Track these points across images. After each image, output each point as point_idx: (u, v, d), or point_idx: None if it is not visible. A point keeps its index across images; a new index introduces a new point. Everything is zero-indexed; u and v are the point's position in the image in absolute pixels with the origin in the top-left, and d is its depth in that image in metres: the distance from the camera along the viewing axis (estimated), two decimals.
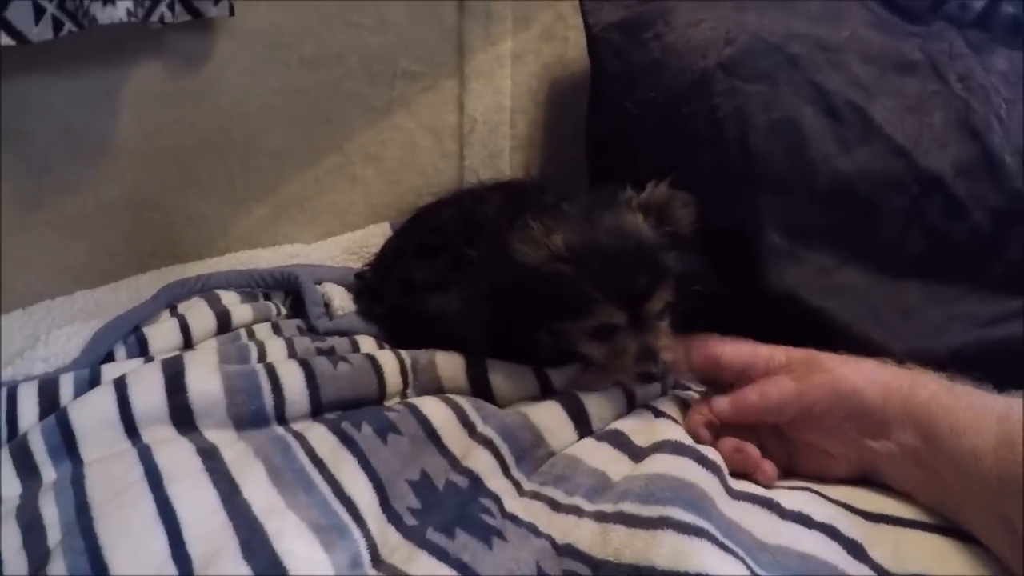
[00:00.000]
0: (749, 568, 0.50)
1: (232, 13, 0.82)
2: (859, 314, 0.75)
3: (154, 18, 0.75)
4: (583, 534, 0.55)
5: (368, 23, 0.91)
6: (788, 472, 0.66)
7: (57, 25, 0.73)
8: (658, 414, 0.70)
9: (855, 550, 0.55)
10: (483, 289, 0.77)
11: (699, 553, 0.50)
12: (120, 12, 0.73)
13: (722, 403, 0.68)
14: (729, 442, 0.66)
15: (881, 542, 0.56)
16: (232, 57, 0.85)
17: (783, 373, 0.65)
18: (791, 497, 0.61)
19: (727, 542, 0.52)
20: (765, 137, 0.78)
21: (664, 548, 0.51)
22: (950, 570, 0.54)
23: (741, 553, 0.52)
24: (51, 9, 0.72)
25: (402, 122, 0.97)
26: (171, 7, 0.77)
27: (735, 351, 0.70)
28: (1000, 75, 0.82)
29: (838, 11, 0.86)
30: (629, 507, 0.55)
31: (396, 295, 0.83)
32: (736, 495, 0.60)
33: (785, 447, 0.67)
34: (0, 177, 0.78)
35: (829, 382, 0.63)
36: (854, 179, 0.77)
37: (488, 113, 1.00)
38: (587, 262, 0.69)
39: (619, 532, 0.53)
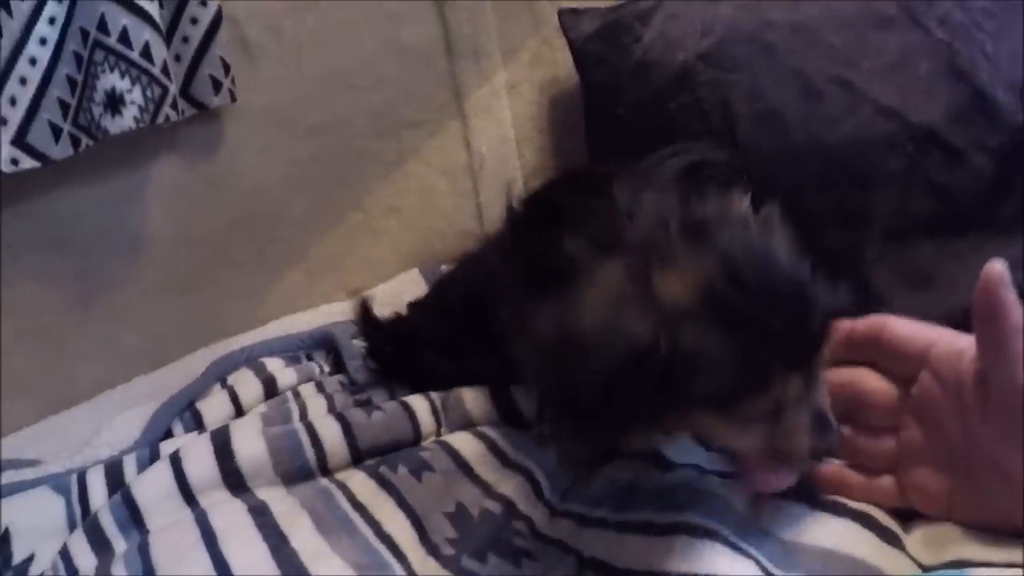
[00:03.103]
0: (763, 568, 0.55)
1: (234, 99, 0.92)
2: (876, 292, 0.78)
3: (160, 120, 0.86)
4: (605, 545, 0.61)
5: (365, 83, 1.00)
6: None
7: (75, 141, 0.85)
8: None
9: (890, 537, 0.57)
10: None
11: (709, 555, 0.55)
12: (127, 121, 0.84)
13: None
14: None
15: (917, 534, 0.58)
16: (243, 139, 0.95)
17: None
18: None
19: (740, 543, 0.57)
20: (751, 130, 0.82)
21: (676, 552, 0.56)
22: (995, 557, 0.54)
23: (754, 553, 0.56)
24: (67, 128, 0.84)
25: (415, 170, 1.05)
26: (174, 106, 0.87)
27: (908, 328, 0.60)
28: (981, 9, 0.82)
29: None
30: (648, 515, 0.61)
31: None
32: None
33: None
34: (52, 283, 0.89)
35: None
36: (845, 152, 0.79)
37: (494, 147, 1.07)
38: (736, 314, 0.52)
39: (636, 540, 0.59)
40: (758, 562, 0.55)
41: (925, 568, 0.55)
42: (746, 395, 0.53)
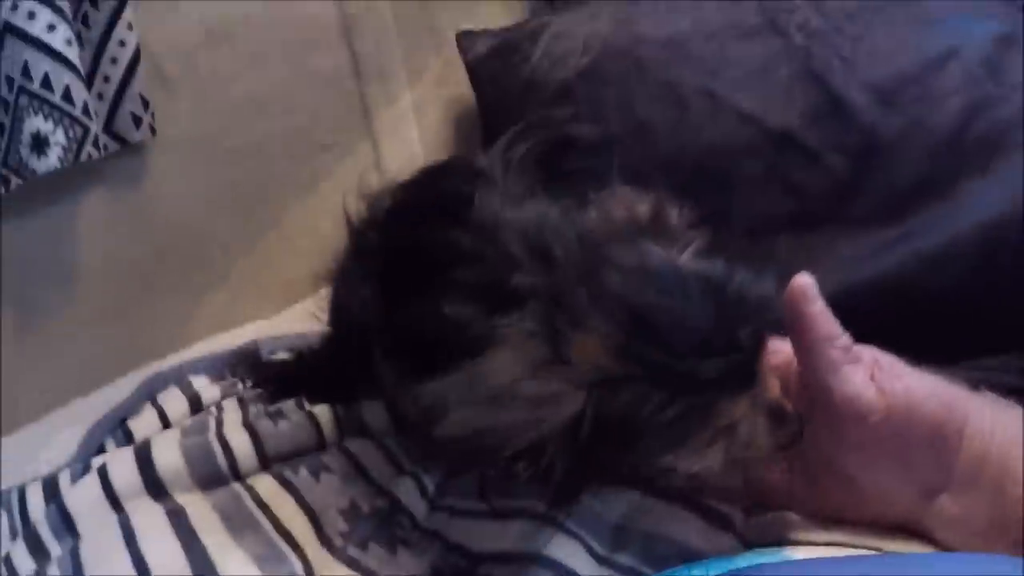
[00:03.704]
0: (589, 548, 0.67)
1: (154, 132, 1.04)
2: None
3: (83, 158, 0.98)
4: (466, 531, 0.73)
5: (278, 110, 1.13)
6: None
7: (5, 181, 0.97)
8: None
9: (719, 520, 0.67)
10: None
11: (541, 536, 0.68)
12: (52, 161, 0.96)
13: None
14: None
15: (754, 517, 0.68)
16: (165, 169, 1.07)
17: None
18: None
19: (571, 526, 0.69)
20: (623, 143, 0.93)
21: (514, 533, 0.69)
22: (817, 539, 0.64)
23: (584, 535, 0.68)
24: None
25: (329, 191, 1.17)
26: (96, 144, 0.99)
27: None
28: (844, 14, 0.92)
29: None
30: (501, 503, 0.73)
31: None
32: None
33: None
34: None
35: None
36: (708, 157, 0.90)
37: (403, 165, 1.15)
38: (659, 365, 0.54)
39: (488, 525, 0.72)
40: (585, 543, 0.68)
41: (751, 547, 0.65)
42: (690, 436, 0.55)
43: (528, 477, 0.58)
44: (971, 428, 0.57)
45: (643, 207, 0.63)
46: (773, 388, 0.60)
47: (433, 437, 0.60)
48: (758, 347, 0.57)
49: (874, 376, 0.59)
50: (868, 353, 0.61)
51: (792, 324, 0.60)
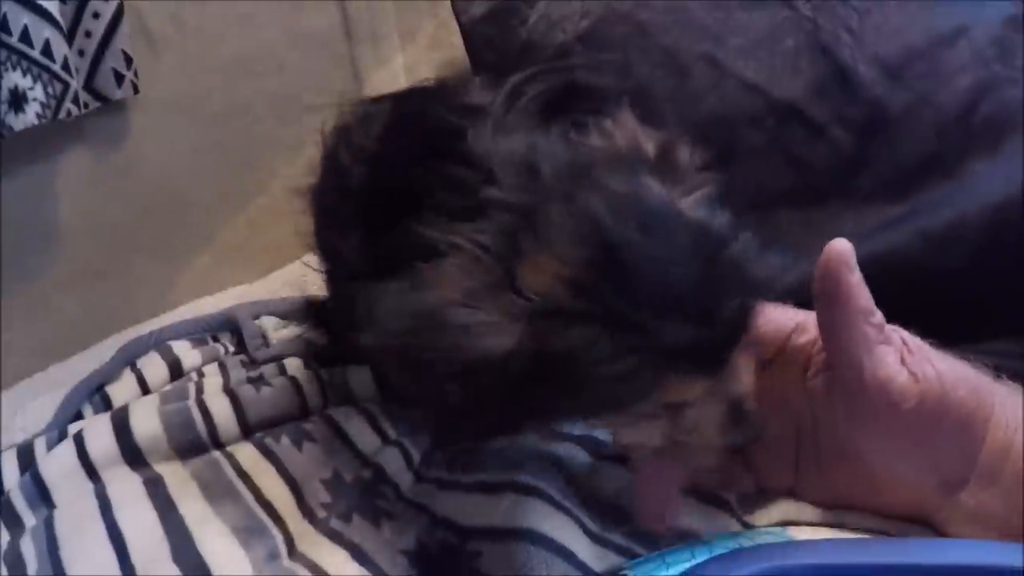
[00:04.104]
0: (582, 525, 0.66)
1: (137, 91, 1.03)
2: None
3: (62, 115, 0.97)
4: (454, 504, 0.72)
5: (266, 70, 1.12)
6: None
7: None
8: None
9: (715, 500, 0.67)
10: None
11: (531, 511, 0.67)
12: (30, 117, 0.95)
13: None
14: None
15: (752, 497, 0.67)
16: (148, 129, 1.06)
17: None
18: None
19: (564, 501, 0.68)
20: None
21: (502, 507, 0.68)
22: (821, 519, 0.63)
23: (576, 511, 0.67)
24: None
25: (317, 154, 1.15)
26: (76, 101, 0.98)
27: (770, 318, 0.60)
28: None
29: None
30: (490, 476, 0.72)
31: None
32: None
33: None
34: None
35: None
36: (708, 127, 0.88)
37: None
38: (620, 316, 0.48)
39: (477, 498, 0.71)
40: (578, 520, 0.67)
41: (752, 528, 0.64)
42: (630, 401, 0.51)
43: (461, 402, 0.53)
44: (996, 418, 0.55)
45: (650, 141, 0.58)
46: (743, 383, 0.54)
47: (360, 345, 0.56)
48: (737, 330, 0.51)
49: (904, 359, 0.55)
50: (896, 335, 0.57)
51: (827, 293, 0.55)
